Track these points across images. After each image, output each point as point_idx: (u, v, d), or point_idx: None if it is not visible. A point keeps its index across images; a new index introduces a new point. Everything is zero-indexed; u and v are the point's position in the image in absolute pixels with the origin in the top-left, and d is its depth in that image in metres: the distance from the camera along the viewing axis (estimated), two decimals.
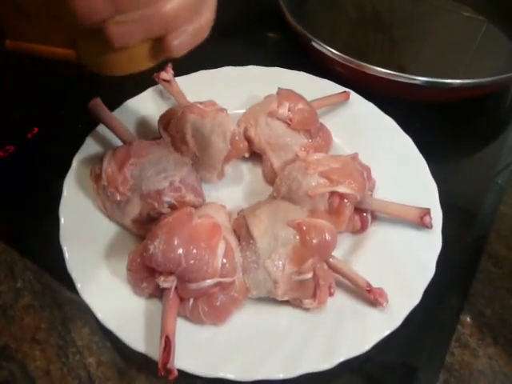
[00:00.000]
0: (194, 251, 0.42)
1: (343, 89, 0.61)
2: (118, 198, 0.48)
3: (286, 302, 0.45)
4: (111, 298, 0.45)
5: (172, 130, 0.53)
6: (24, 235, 0.54)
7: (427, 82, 0.59)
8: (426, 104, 0.65)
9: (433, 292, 0.46)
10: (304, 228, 0.43)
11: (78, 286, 0.45)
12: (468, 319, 0.49)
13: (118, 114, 0.57)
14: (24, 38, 0.42)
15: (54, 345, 0.47)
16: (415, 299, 0.45)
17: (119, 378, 0.45)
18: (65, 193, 0.52)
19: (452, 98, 0.65)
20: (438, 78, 0.59)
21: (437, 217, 0.50)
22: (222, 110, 0.54)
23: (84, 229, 0.50)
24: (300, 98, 0.55)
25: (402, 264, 0.47)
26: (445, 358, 0.46)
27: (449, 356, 0.46)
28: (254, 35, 0.79)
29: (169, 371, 0.39)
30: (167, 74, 0.59)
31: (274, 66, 0.65)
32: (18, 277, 0.51)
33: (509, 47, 0.75)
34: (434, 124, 0.64)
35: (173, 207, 0.48)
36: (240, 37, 0.78)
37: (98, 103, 0.54)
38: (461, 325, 0.48)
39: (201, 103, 0.55)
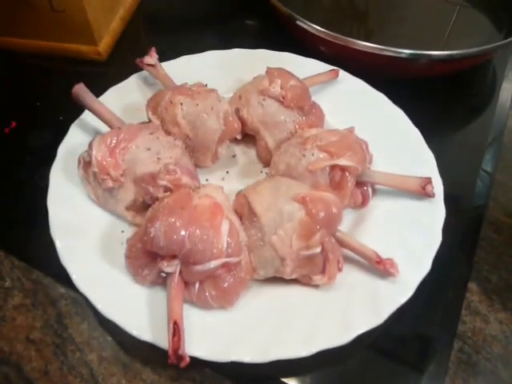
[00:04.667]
0: (198, 231, 0.40)
1: (330, 67, 0.60)
2: (111, 185, 0.46)
3: (295, 281, 0.44)
4: (110, 288, 0.43)
5: (162, 112, 0.51)
6: (9, 232, 0.51)
7: (413, 54, 0.59)
8: (411, 80, 0.64)
9: (438, 263, 0.45)
10: (309, 201, 0.42)
11: (74, 277, 0.43)
12: (475, 286, 0.48)
13: (103, 100, 0.54)
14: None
15: (50, 343, 0.44)
16: (425, 267, 0.44)
17: (124, 373, 0.42)
18: (52, 183, 0.49)
19: (437, 72, 0.65)
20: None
21: (437, 186, 0.49)
22: (213, 90, 0.52)
23: (75, 219, 0.47)
24: (291, 75, 0.53)
25: (407, 234, 0.47)
26: (457, 326, 0.46)
27: (461, 324, 0.46)
28: (232, 23, 0.78)
29: (180, 358, 0.37)
30: (151, 58, 0.57)
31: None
32: (5, 276, 0.48)
33: (485, 25, 0.76)
34: (420, 101, 0.63)
35: (168, 191, 0.46)
36: (219, 25, 0.77)
37: (81, 88, 0.51)
38: (469, 292, 0.48)
39: (189, 85, 0.53)
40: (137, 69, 0.59)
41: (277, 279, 0.44)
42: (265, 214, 0.42)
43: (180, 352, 0.37)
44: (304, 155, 0.47)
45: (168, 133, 0.50)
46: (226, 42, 0.67)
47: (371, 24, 0.76)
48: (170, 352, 0.37)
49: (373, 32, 0.75)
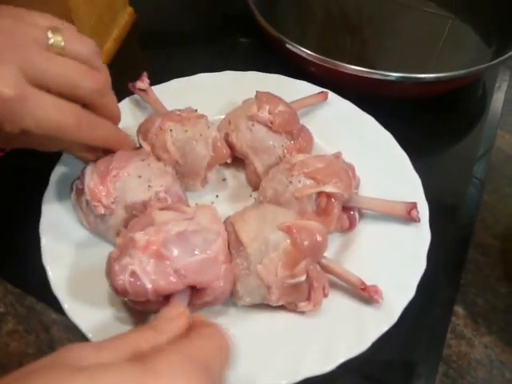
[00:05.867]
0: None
1: (319, 89, 0.61)
2: (102, 212, 0.47)
3: (281, 307, 0.45)
4: (101, 317, 0.44)
5: (152, 139, 0.51)
6: (2, 258, 0.52)
7: (401, 77, 0.59)
8: (401, 100, 0.65)
9: (424, 286, 0.46)
10: (294, 230, 0.43)
11: (66, 306, 0.44)
12: (461, 310, 0.49)
13: None
14: None
15: None
16: (410, 293, 0.45)
17: None
18: (44, 210, 0.50)
19: (425, 92, 0.65)
20: (410, 73, 0.60)
21: (423, 210, 0.50)
22: (202, 116, 0.53)
23: (67, 246, 0.48)
24: (279, 99, 0.54)
25: (393, 259, 0.47)
26: (442, 350, 0.46)
27: (446, 348, 0.46)
28: (224, 41, 0.79)
29: None
30: (143, 83, 0.58)
31: (248, 70, 0.65)
32: None
33: (475, 40, 0.77)
34: (409, 120, 0.64)
35: None
36: (211, 44, 0.78)
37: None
38: (455, 316, 0.49)
39: (179, 111, 0.54)
40: (128, 93, 0.60)
41: (263, 305, 0.45)
42: (251, 243, 0.43)
43: None
44: (291, 182, 0.48)
45: (159, 158, 0.51)
46: (219, 62, 0.68)
47: (363, 41, 0.77)
48: None
49: (364, 49, 0.76)
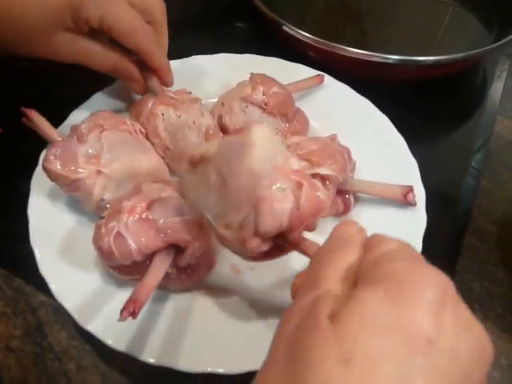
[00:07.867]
0: None
1: (316, 73, 0.60)
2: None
3: (266, 296, 0.44)
4: (88, 299, 0.43)
5: (144, 123, 0.50)
6: None
7: (401, 60, 0.58)
8: (399, 84, 0.64)
9: None
10: None
11: (52, 287, 0.43)
12: None
13: (88, 106, 0.55)
14: None
15: (30, 352, 0.44)
16: None
17: (102, 382, 0.43)
18: (33, 192, 0.49)
19: (425, 76, 0.64)
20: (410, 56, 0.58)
21: (420, 194, 0.49)
22: (196, 100, 0.52)
23: (55, 228, 0.47)
24: (274, 81, 0.53)
25: None
26: None
27: None
28: (222, 25, 0.78)
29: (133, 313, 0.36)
30: None
31: (245, 53, 0.64)
32: None
33: (476, 27, 0.76)
34: (408, 106, 0.63)
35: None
36: (208, 28, 0.77)
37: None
38: None
39: (172, 92, 0.53)
40: None
41: (251, 290, 0.44)
42: None
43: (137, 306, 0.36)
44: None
45: (150, 141, 0.50)
46: (216, 47, 0.67)
47: (363, 26, 0.76)
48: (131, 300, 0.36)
49: (365, 35, 0.75)
